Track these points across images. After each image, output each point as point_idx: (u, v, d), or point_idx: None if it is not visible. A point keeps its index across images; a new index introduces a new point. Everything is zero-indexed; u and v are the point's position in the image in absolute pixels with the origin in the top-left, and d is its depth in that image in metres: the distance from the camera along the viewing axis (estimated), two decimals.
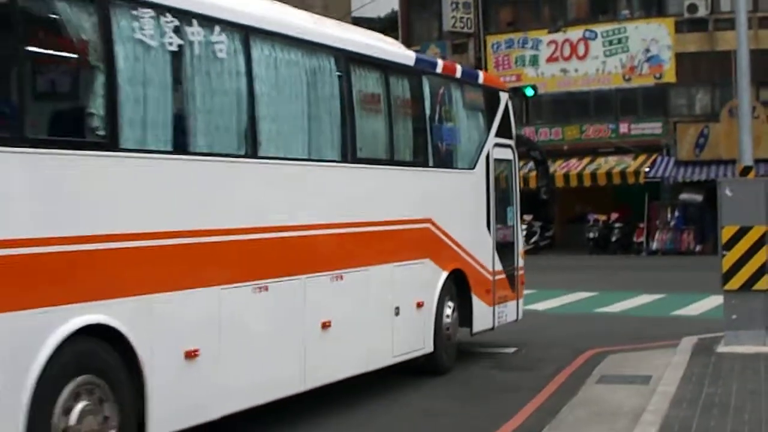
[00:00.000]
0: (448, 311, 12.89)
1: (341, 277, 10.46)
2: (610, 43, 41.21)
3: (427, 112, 12.57)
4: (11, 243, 6.55)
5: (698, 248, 37.28)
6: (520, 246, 15.20)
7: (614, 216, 39.30)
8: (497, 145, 14.28)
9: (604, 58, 41.24)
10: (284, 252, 9.59)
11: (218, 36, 8.67)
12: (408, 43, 46.93)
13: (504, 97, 14.72)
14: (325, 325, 10.11)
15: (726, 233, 12.85)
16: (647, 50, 40.62)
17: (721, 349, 12.81)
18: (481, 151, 13.90)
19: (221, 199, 8.71)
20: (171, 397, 7.93)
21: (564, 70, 41.15)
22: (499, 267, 14.24)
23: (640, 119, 40.30)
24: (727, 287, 12.89)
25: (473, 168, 13.73)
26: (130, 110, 7.60)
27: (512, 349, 14.73)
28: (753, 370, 11.41)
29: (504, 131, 14.53)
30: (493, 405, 11.06)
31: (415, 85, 12.36)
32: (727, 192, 12.88)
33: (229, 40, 8.82)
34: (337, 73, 10.62)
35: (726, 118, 36.18)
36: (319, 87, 10.29)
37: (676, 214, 38.66)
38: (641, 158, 39.36)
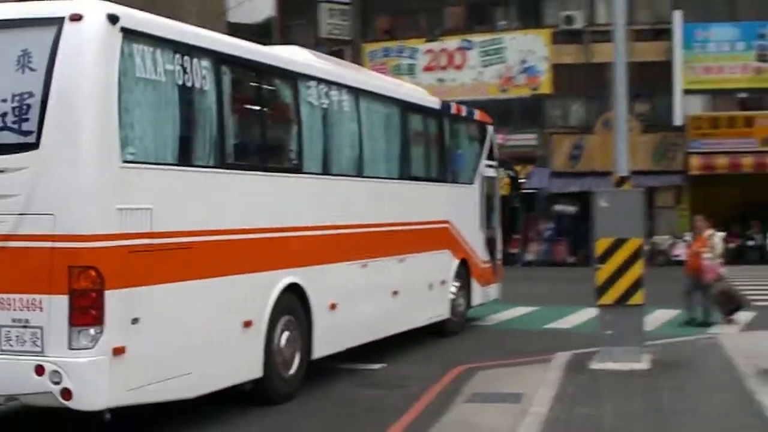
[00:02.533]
0: (455, 288, 17.19)
1: (404, 260, 15.01)
2: (487, 53, 41.11)
3: (447, 142, 17.29)
4: (262, 230, 11.11)
5: (571, 259, 37.43)
6: (499, 243, 19.87)
7: None
8: (487, 165, 19.07)
9: (481, 68, 41.12)
10: (374, 241, 14.05)
11: (344, 96, 13.37)
12: None
13: (490, 129, 19.48)
14: (395, 293, 14.64)
15: (600, 246, 12.40)
16: (524, 61, 40.63)
17: (595, 365, 12.36)
18: (477, 170, 18.60)
19: (347, 205, 13.32)
20: (324, 333, 12.34)
21: (441, 80, 40.83)
22: (487, 258, 18.89)
23: (515, 130, 40.21)
24: (601, 302, 12.44)
25: (473, 183, 18.42)
26: (309, 148, 12.35)
27: (378, 366, 14.06)
28: (627, 388, 10.98)
29: (491, 155, 19.39)
30: (354, 427, 10.40)
31: (439, 123, 17.08)
32: (603, 203, 12.45)
33: (352, 99, 13.62)
34: (402, 119, 15.46)
35: (600, 129, 36.36)
36: (394, 128, 15.14)
37: (550, 225, 38.81)
38: (516, 169, 39.24)
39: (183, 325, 9.51)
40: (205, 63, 10.06)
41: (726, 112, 39.13)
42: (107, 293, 8.47)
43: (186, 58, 9.73)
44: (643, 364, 12.27)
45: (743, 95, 39.64)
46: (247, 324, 10.68)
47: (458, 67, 41.41)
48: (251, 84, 11.41)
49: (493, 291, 19.41)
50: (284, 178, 11.73)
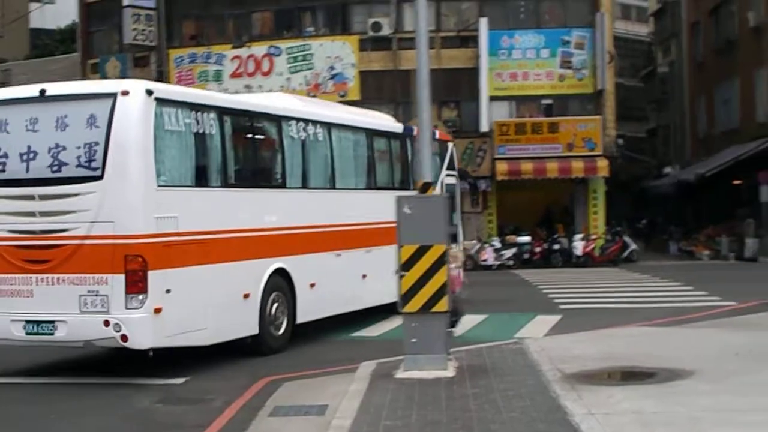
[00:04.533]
0: None
1: (371, 251, 19.16)
2: (295, 59, 40.92)
3: (407, 157, 21.19)
4: (256, 229, 15.60)
5: None
6: (461, 238, 24.26)
7: None
8: (447, 175, 23.04)
9: (289, 74, 40.90)
10: (346, 236, 18.43)
11: (318, 129, 17.72)
12: (88, 56, 45.02)
13: (450, 145, 23.81)
14: (364, 276, 19.07)
15: (404, 253, 12.28)
16: (332, 68, 40.61)
17: (401, 374, 12.22)
18: (438, 178, 21.81)
19: (323, 209, 17.84)
20: (305, 305, 16.83)
21: (248, 86, 40.33)
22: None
23: None
24: (406, 309, 12.31)
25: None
26: (291, 168, 16.85)
27: (182, 380, 13.61)
28: (433, 397, 10.87)
29: (450, 166, 23.50)
30: None
31: (401, 142, 21.24)
32: (406, 209, 12.34)
33: (325, 131, 18.02)
34: (367, 142, 19.80)
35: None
36: (358, 150, 19.49)
37: None
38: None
39: (201, 295, 14.06)
40: (212, 114, 14.79)
41: (531, 118, 40.03)
42: (150, 273, 13.07)
43: (199, 113, 14.50)
44: (449, 372, 12.19)
45: (548, 101, 40.63)
46: (246, 296, 15.32)
47: (266, 74, 41.07)
48: (245, 126, 16.09)
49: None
50: (271, 192, 16.48)
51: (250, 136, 16.15)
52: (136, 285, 12.95)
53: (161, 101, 13.58)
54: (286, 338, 16.33)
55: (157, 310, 13.11)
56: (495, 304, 22.34)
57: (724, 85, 47.14)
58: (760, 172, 38.79)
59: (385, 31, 39.88)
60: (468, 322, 19.12)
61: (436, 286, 12.25)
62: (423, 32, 13.58)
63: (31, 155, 13.49)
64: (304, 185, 17.39)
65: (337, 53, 40.52)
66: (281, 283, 16.23)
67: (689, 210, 50.81)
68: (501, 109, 40.04)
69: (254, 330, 15.43)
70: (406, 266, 12.28)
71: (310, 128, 17.56)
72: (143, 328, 13.02)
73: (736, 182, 42.40)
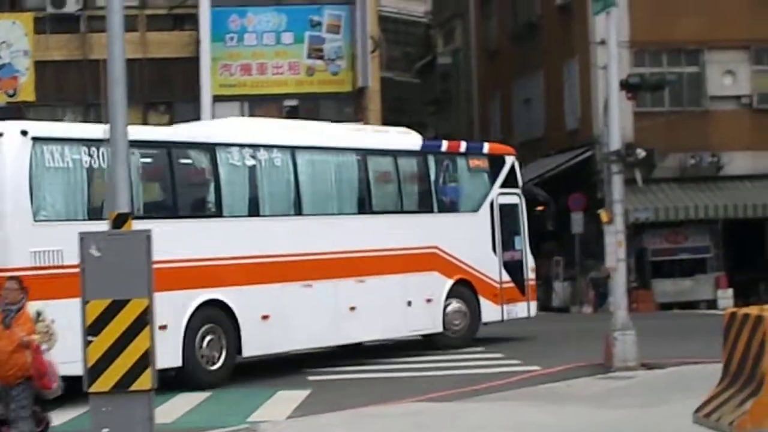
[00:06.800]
0: (448, 306, 26.42)
1: (364, 281, 24.11)
2: None
3: (430, 177, 26.53)
4: (185, 260, 20.56)
5: None
6: (530, 264, 28.67)
7: None
8: (502, 193, 27.72)
9: None
10: (324, 265, 23.43)
11: (277, 154, 23.04)
12: None
13: (508, 159, 28.49)
14: (352, 308, 23.78)
15: (92, 311, 12.13)
16: None
17: None
18: (485, 198, 27.43)
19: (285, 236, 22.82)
20: (254, 338, 21.61)
21: None
22: (506, 278, 27.75)
23: None
24: (94, 388, 12.17)
25: (477, 211, 27.44)
26: (227, 196, 21.94)
27: None
28: None
29: (510, 183, 28.08)
30: None
31: (421, 161, 26.63)
32: (93, 251, 12.19)
33: (288, 156, 23.26)
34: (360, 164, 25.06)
35: None
36: (354, 172, 24.91)
37: None
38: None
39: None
40: (93, 148, 19.60)
41: None
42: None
43: (67, 147, 19.38)
44: None
45: (292, 103, 40.80)
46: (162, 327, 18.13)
47: None
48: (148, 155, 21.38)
49: (520, 309, 28.21)
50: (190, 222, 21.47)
51: (144, 166, 21.15)
52: None
53: (37, 139, 18.91)
54: (224, 373, 21.30)
55: None
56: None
57: (524, 81, 48.71)
58: (571, 196, 40.14)
59: (71, 6, 39.24)
60: (184, 402, 19.06)
61: (135, 355, 12.18)
62: (117, 8, 13.50)
63: None
64: (234, 214, 22.02)
65: (4, 37, 39.69)
66: (217, 316, 21.23)
67: None
68: (229, 112, 39.76)
69: (176, 362, 20.20)
70: (93, 329, 12.12)
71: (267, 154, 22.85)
72: None
73: (540, 208, 43.75)
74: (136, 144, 17.76)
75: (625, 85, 22.95)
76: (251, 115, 40.08)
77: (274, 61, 40.39)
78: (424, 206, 26.40)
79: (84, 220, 18.83)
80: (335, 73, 40.55)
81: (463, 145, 28.67)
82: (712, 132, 41.45)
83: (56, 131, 20.19)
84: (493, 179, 27.98)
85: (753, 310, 13.51)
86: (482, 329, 27.29)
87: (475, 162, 27.88)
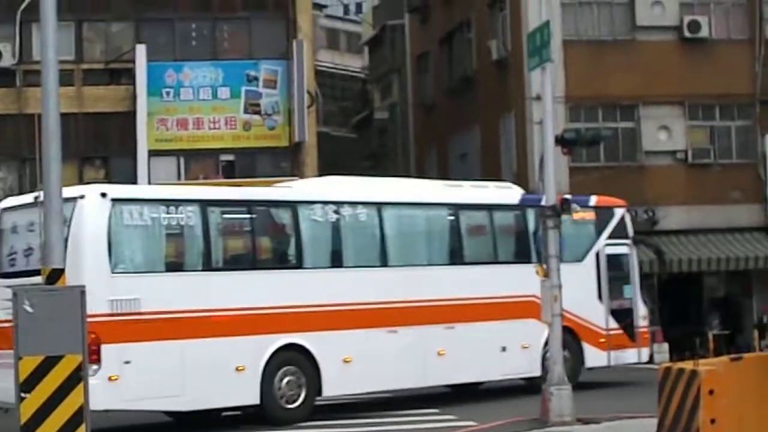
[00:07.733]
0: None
1: (453, 328, 26.05)
2: None
3: (530, 229, 28.02)
4: (262, 308, 23.24)
5: None
6: (641, 311, 30.29)
7: None
8: (609, 244, 29.61)
9: None
10: (408, 312, 25.43)
11: (360, 210, 25.14)
12: None
13: (618, 211, 30.31)
14: (440, 353, 25.79)
15: (25, 367, 12.06)
16: None
17: None
18: (590, 249, 29.26)
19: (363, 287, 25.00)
20: (335, 379, 23.76)
21: None
22: (614, 325, 29.40)
23: None
24: None
25: (582, 261, 28.88)
26: (310, 249, 24.35)
27: None
28: None
29: (618, 234, 29.96)
30: None
31: (520, 215, 28.33)
32: (26, 307, 12.13)
33: (374, 212, 25.50)
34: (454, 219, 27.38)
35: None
36: (447, 227, 27.21)
37: None
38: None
39: (168, 365, 21.48)
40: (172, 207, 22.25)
41: (207, 180, 40.07)
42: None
43: (146, 207, 21.74)
44: None
45: (229, 158, 40.75)
46: (240, 369, 22.41)
47: None
48: (224, 214, 23.89)
49: (630, 355, 29.85)
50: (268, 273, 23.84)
51: (224, 222, 23.76)
52: (90, 357, 17.46)
53: (116, 200, 21.21)
54: (304, 411, 23.20)
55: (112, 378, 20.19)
56: None
57: (460, 136, 48.80)
58: None
59: (6, 60, 39.17)
60: None
61: (69, 411, 12.11)
62: (52, 63, 13.50)
63: (29, 252, 21.22)
64: (299, 265, 24.15)
65: None
66: (297, 358, 23.21)
67: None
68: (166, 167, 39.81)
69: (255, 400, 22.54)
70: (27, 385, 12.06)
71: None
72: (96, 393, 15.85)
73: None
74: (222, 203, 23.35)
75: (560, 141, 23.04)
76: (188, 173, 40.11)
77: (211, 115, 40.43)
78: (522, 257, 27.72)
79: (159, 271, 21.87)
80: (272, 128, 40.65)
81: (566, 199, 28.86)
82: (648, 187, 41.64)
83: (132, 192, 23.42)
84: (599, 230, 29.65)
85: (687, 365, 13.64)
86: None
87: (579, 214, 27.78)
